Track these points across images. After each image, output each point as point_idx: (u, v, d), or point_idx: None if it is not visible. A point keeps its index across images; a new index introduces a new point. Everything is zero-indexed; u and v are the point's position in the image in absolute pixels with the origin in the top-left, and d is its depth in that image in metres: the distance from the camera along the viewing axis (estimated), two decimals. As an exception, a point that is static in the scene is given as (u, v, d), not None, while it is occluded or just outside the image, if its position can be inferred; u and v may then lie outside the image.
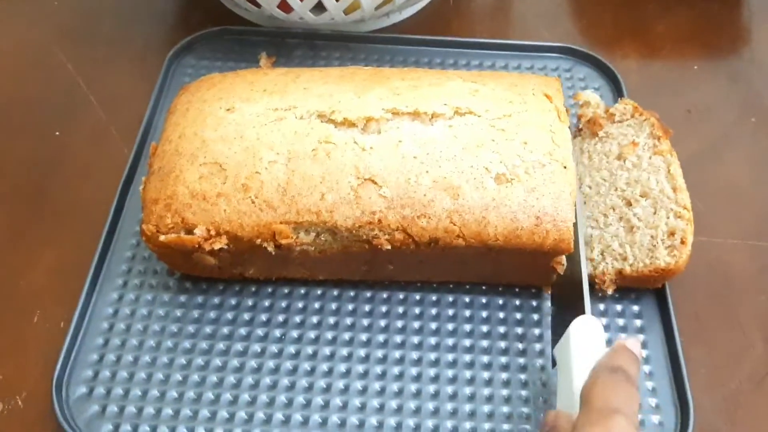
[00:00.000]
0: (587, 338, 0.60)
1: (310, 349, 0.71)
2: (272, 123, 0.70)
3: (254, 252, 0.68)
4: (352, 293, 0.75)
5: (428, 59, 0.95)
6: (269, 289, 0.75)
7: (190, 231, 0.67)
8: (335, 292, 0.74)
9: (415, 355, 0.71)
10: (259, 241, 0.67)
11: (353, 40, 0.96)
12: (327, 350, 0.71)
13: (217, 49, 0.96)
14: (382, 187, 0.66)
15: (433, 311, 0.74)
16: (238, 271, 0.73)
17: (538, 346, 0.71)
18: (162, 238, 0.67)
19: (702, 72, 0.96)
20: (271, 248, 0.67)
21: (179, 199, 0.67)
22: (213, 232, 0.67)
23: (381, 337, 0.72)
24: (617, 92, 0.91)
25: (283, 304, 0.74)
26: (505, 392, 0.68)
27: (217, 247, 0.66)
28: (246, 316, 0.73)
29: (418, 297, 0.75)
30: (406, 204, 0.66)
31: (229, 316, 0.73)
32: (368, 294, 0.75)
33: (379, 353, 0.71)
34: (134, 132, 0.85)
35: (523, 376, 0.69)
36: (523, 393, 0.68)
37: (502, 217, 0.66)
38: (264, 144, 0.68)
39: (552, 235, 0.66)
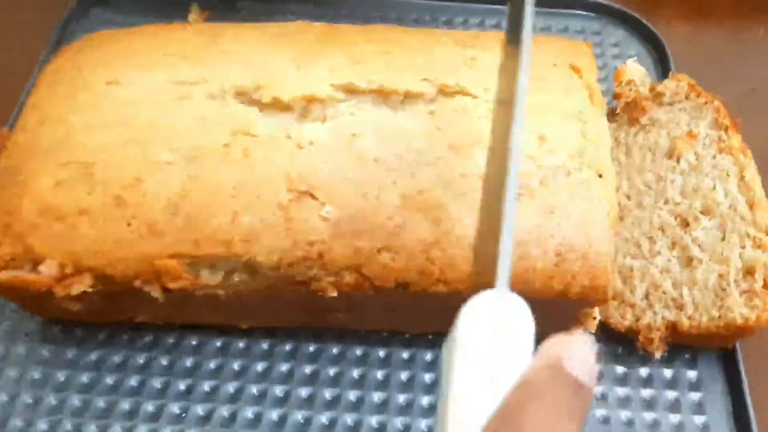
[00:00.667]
0: (494, 329, 0.32)
1: (221, 434, 0.49)
2: (170, 104, 0.49)
3: (136, 296, 0.47)
4: (287, 347, 0.54)
5: (416, 16, 0.77)
6: (171, 340, 0.54)
7: (36, 265, 0.45)
8: (264, 346, 0.54)
9: (374, 442, 0.49)
10: (138, 283, 0.45)
11: (317, -10, 0.75)
12: (246, 436, 0.49)
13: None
14: (326, 205, 0.46)
15: (403, 376, 0.53)
16: (121, 318, 0.51)
17: None
18: (-4, 274, 0.45)
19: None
20: (156, 293, 0.46)
21: (22, 217, 0.46)
22: (70, 269, 0.45)
23: (325, 418, 0.51)
24: (661, 65, 0.75)
25: (189, 363, 0.53)
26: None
27: (75, 291, 0.45)
28: (134, 381, 0.52)
29: (382, 354, 0.54)
30: (362, 231, 0.46)
31: (110, 381, 0.52)
32: (311, 349, 0.54)
33: (321, 439, 0.49)
34: (11, 112, 0.65)
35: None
36: None
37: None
38: (154, 135, 0.48)
39: (580, 280, 0.46)
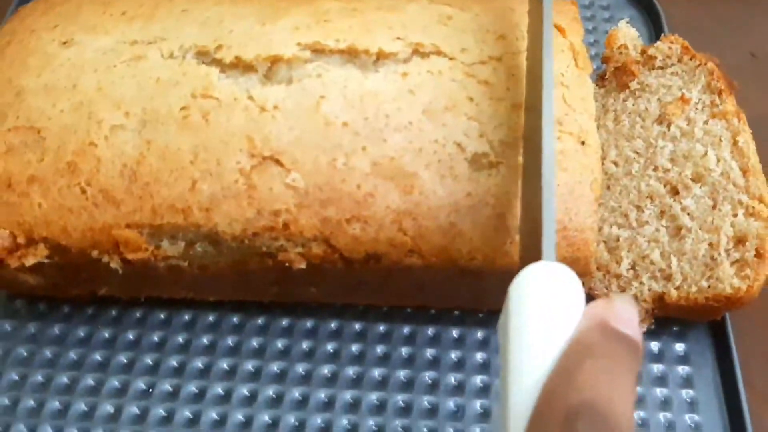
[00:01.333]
0: (544, 299, 0.33)
1: (188, 411, 0.48)
2: (124, 64, 0.46)
3: (95, 268, 0.44)
4: (259, 322, 0.51)
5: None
6: (137, 315, 0.52)
7: (-12, 236, 0.43)
8: (234, 320, 0.52)
9: (345, 420, 0.47)
10: (95, 253, 0.43)
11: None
12: (214, 413, 0.48)
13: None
14: (291, 172, 0.43)
15: (379, 350, 0.51)
16: (84, 290, 0.49)
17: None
18: (-56, 246, 0.43)
19: None
20: (115, 264, 0.44)
21: (-29, 186, 0.43)
22: (22, 240, 0.43)
23: (297, 392, 0.49)
24: (655, 28, 0.72)
25: (156, 338, 0.51)
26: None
27: (29, 262, 0.43)
28: (99, 356, 0.50)
29: (357, 328, 0.51)
30: (330, 200, 0.43)
31: (74, 356, 0.50)
32: (284, 323, 0.52)
33: (292, 418, 0.47)
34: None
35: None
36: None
37: (481, 223, 0.42)
38: (107, 98, 0.45)
39: (561, 253, 0.43)
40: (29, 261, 0.43)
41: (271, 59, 0.45)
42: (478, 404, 0.48)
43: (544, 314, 0.32)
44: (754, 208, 0.50)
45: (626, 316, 0.32)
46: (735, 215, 0.50)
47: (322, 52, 0.45)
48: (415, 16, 0.47)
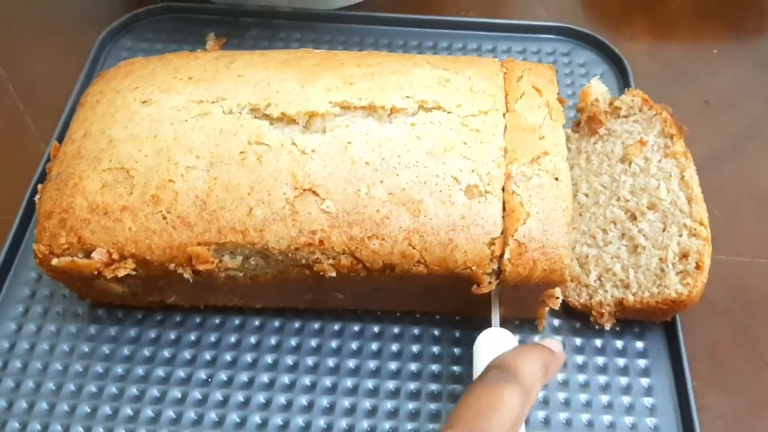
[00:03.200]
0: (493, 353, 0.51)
1: (241, 396, 0.58)
2: (194, 119, 0.57)
3: (170, 278, 0.56)
4: (296, 325, 0.62)
5: (403, 41, 0.83)
6: (197, 320, 0.62)
7: (88, 253, 0.54)
8: (276, 324, 0.62)
9: (368, 403, 0.58)
10: (172, 266, 0.54)
11: (317, 20, 0.84)
12: (261, 397, 0.58)
13: (159, 29, 0.84)
14: (325, 201, 0.54)
15: (394, 348, 0.61)
16: (156, 298, 0.60)
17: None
18: (54, 261, 0.54)
19: (723, 57, 0.86)
20: (187, 275, 0.55)
21: (76, 214, 0.55)
22: (116, 256, 0.54)
23: (329, 381, 0.59)
24: (623, 81, 0.81)
25: (213, 338, 0.61)
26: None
27: (121, 274, 0.54)
28: (167, 353, 0.60)
29: (376, 330, 0.62)
30: (355, 221, 0.53)
31: (147, 353, 0.60)
32: (316, 326, 0.62)
33: (325, 401, 0.58)
34: (55, 126, 0.72)
35: None
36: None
37: (473, 239, 0.53)
38: (181, 145, 0.56)
39: (540, 265, 0.53)
40: (121, 273, 0.54)
41: (309, 114, 0.55)
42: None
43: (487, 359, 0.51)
44: (695, 229, 0.61)
45: (552, 346, 0.53)
46: (680, 235, 0.61)
47: (348, 108, 0.56)
48: (420, 79, 0.58)
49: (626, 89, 0.72)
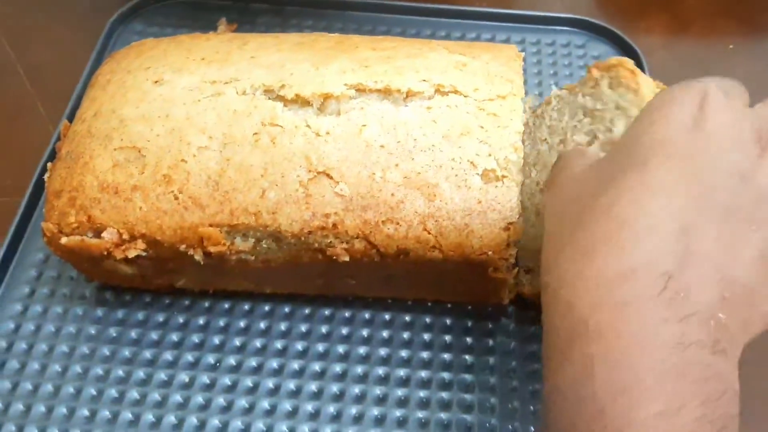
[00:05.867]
0: None
1: (249, 381, 0.58)
2: (207, 99, 0.56)
3: (181, 260, 0.55)
4: (306, 311, 0.61)
5: (416, 30, 0.82)
6: (206, 304, 0.61)
7: (98, 232, 0.54)
8: (286, 310, 0.61)
9: (379, 390, 0.57)
10: (183, 247, 0.53)
11: (329, 6, 0.83)
12: (270, 383, 0.58)
13: (169, 13, 0.83)
14: (339, 183, 0.53)
15: (405, 336, 0.60)
16: (165, 281, 0.60)
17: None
18: (63, 240, 0.54)
19: (739, 52, 0.84)
20: (198, 257, 0.54)
21: (86, 193, 0.54)
22: (126, 236, 0.53)
23: (339, 367, 0.58)
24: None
25: (222, 323, 0.60)
26: (488, 442, 0.55)
27: (131, 254, 0.53)
28: (175, 336, 0.60)
29: (387, 317, 0.61)
30: (369, 205, 0.53)
31: (155, 336, 0.60)
32: (326, 312, 0.61)
33: (335, 388, 0.57)
34: (63, 109, 0.71)
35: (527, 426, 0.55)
36: (512, 444, 0.55)
37: (489, 224, 0.52)
38: (194, 125, 0.55)
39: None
40: (131, 254, 0.53)
41: (324, 96, 0.55)
42: (492, 379, 0.58)
43: None
44: None
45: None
46: None
47: (363, 90, 0.55)
48: (436, 63, 0.58)
49: (642, 78, 0.71)
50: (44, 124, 0.74)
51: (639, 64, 0.78)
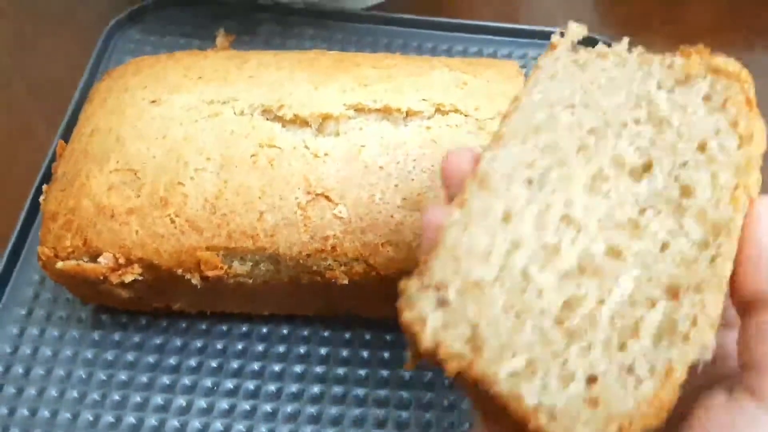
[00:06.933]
0: None
1: (247, 405, 0.57)
2: (204, 119, 0.55)
3: (178, 283, 0.54)
4: (305, 333, 0.60)
5: (417, 43, 0.81)
6: (203, 326, 0.61)
7: (94, 256, 0.53)
8: (284, 331, 0.60)
9: (380, 413, 0.56)
10: (180, 271, 0.53)
11: (331, 18, 0.82)
12: (269, 407, 0.57)
13: (169, 21, 0.81)
14: (338, 205, 0.52)
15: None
16: (162, 304, 0.59)
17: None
18: (59, 265, 0.53)
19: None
20: (196, 281, 0.53)
21: (82, 215, 0.53)
22: (122, 260, 0.52)
23: (339, 390, 0.57)
24: None
25: (219, 345, 0.60)
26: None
27: (128, 279, 0.53)
28: (172, 360, 0.59)
29: (388, 338, 0.60)
30: (368, 227, 0.52)
31: (151, 359, 0.59)
32: (325, 334, 0.60)
33: (334, 410, 0.56)
34: (59, 123, 0.71)
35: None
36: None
37: (491, 247, 0.51)
38: (191, 146, 0.54)
39: None
40: (127, 278, 0.52)
41: (323, 116, 0.54)
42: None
43: None
44: None
45: None
46: None
47: (362, 110, 0.55)
48: (437, 82, 0.57)
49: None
50: (42, 140, 0.73)
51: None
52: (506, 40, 0.82)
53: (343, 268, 0.53)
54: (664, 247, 0.35)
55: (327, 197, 0.52)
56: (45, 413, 0.56)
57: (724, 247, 0.34)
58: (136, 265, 0.53)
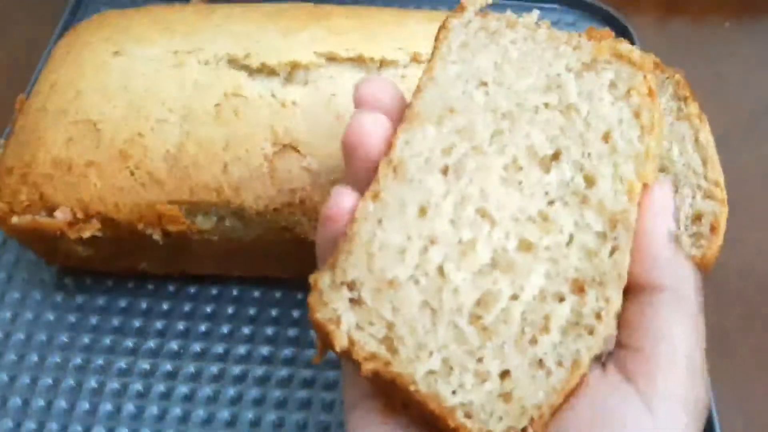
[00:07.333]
0: None
1: (215, 368, 0.55)
2: (168, 70, 0.53)
3: (140, 240, 0.52)
4: (277, 295, 0.58)
5: (400, 4, 0.77)
6: (171, 288, 0.58)
7: (51, 211, 0.50)
8: (255, 294, 0.58)
9: (353, 378, 0.54)
10: (141, 226, 0.50)
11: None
12: (237, 369, 0.54)
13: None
14: (307, 157, 0.50)
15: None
16: (127, 264, 0.56)
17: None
18: (14, 220, 0.51)
19: (735, 31, 0.81)
20: (157, 236, 0.51)
21: (38, 169, 0.51)
22: (80, 215, 0.50)
23: (311, 353, 0.55)
24: None
25: (187, 308, 0.57)
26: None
27: (86, 235, 0.50)
28: (137, 323, 0.57)
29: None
30: (338, 180, 0.49)
31: (116, 322, 0.57)
32: (299, 296, 0.58)
33: (306, 373, 0.54)
34: (27, 82, 0.68)
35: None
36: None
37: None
38: (153, 97, 0.52)
39: None
40: (86, 234, 0.50)
41: (291, 65, 0.51)
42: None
43: None
44: (710, 191, 0.57)
45: None
46: (694, 197, 0.57)
47: (334, 59, 0.52)
48: (414, 31, 0.54)
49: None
50: (7, 100, 0.70)
51: (631, 43, 0.75)
52: (493, 2, 0.79)
53: (312, 223, 0.50)
54: (570, 240, 0.35)
55: (295, 149, 0.50)
56: (3, 377, 0.54)
57: (622, 239, 0.34)
58: (94, 220, 0.50)
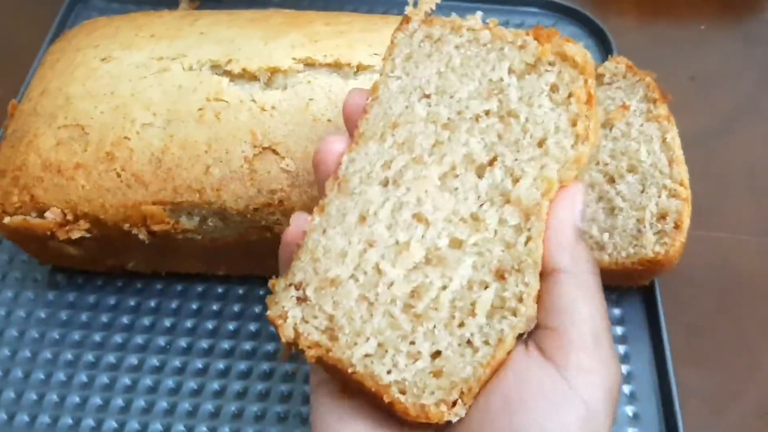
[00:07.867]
0: None
1: (200, 363, 0.57)
2: (153, 75, 0.55)
3: (126, 240, 0.54)
4: (261, 292, 0.60)
5: (384, 10, 0.80)
6: (158, 286, 0.60)
7: (42, 212, 0.53)
8: (240, 291, 0.60)
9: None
10: (127, 226, 0.52)
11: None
12: (221, 364, 0.57)
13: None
14: (285, 159, 0.52)
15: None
16: (116, 263, 0.58)
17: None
18: (6, 220, 0.53)
19: (711, 32, 0.83)
20: (143, 236, 0.53)
21: (29, 172, 0.53)
22: (69, 216, 0.52)
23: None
24: (607, 55, 0.77)
25: (174, 305, 0.59)
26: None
27: (75, 235, 0.52)
28: (125, 319, 0.59)
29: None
30: (316, 181, 0.51)
31: (105, 319, 0.59)
32: (281, 293, 0.59)
33: (288, 367, 0.56)
34: (19, 88, 0.70)
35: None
36: None
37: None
38: (138, 102, 0.54)
39: None
40: (75, 234, 0.52)
41: (271, 70, 0.53)
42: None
43: None
44: (675, 190, 0.58)
45: None
46: (659, 196, 0.59)
47: (312, 65, 0.54)
48: (389, 37, 0.57)
49: (610, 56, 0.70)
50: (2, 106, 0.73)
51: (608, 45, 0.77)
52: (471, 6, 0.80)
53: (291, 222, 0.52)
54: (495, 234, 0.38)
55: (274, 151, 0.52)
56: (-4, 372, 0.56)
57: (534, 230, 0.37)
58: (82, 221, 0.52)
